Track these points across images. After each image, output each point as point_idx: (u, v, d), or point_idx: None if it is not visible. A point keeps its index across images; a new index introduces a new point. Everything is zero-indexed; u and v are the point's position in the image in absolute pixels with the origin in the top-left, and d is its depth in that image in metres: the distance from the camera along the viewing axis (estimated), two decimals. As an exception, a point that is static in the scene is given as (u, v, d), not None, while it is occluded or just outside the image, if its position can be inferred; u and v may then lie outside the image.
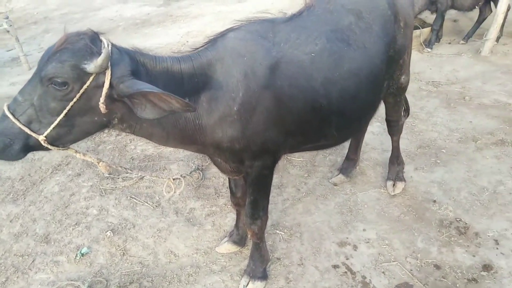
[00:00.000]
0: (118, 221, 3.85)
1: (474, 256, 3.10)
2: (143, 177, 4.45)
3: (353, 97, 2.64)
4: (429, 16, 7.57)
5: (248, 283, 2.99)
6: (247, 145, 2.45)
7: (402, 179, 3.90)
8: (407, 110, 3.84)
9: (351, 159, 4.12)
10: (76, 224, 3.86)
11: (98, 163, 2.38)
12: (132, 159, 4.82)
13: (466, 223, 3.42)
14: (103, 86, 1.91)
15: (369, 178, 4.16)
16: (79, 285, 3.18)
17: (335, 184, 4.09)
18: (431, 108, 5.35)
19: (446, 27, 7.79)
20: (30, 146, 1.97)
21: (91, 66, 1.83)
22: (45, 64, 1.86)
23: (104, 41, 1.94)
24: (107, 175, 4.48)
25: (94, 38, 1.92)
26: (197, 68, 2.27)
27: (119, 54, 1.99)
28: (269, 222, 3.62)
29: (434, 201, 3.70)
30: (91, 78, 1.88)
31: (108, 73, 1.89)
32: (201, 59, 2.30)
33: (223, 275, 3.18)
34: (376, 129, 4.93)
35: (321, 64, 2.49)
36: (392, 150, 3.93)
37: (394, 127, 3.73)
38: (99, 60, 1.82)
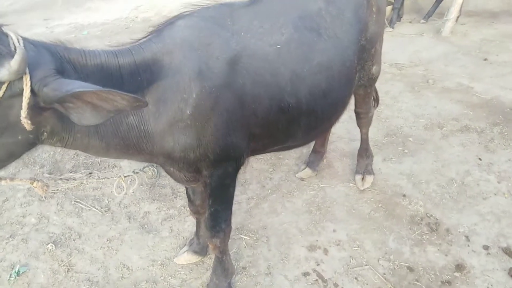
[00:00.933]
0: (61, 231, 3.39)
1: (446, 255, 2.99)
2: (90, 175, 3.98)
3: (324, 94, 2.33)
4: (391, -6, 7.38)
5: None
6: (204, 153, 2.09)
7: (371, 172, 3.71)
8: (376, 100, 3.62)
9: (318, 152, 3.87)
10: (10, 236, 3.36)
11: (32, 183, 1.94)
12: (77, 155, 4.30)
13: (437, 219, 3.30)
14: (22, 95, 1.45)
15: (337, 171, 3.95)
16: (14, 313, 2.76)
17: (302, 179, 3.85)
18: (395, 93, 5.20)
19: (406, 5, 7.65)
20: None
21: (3, 73, 1.36)
22: None
23: (13, 36, 1.47)
24: (48, 175, 3.96)
25: None
26: (139, 64, 1.85)
27: (36, 50, 1.53)
28: (233, 226, 3.32)
29: (404, 196, 3.55)
30: (3, 88, 1.41)
31: (27, 78, 1.42)
32: (144, 53, 1.88)
33: (183, 291, 2.87)
34: (342, 117, 4.69)
35: (288, 57, 2.15)
36: (361, 142, 3.71)
37: (363, 119, 3.49)
38: (14, 64, 1.34)
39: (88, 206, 3.62)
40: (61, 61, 1.61)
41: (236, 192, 3.64)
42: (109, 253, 3.20)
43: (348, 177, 3.84)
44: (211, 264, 2.90)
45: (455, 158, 3.98)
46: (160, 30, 1.98)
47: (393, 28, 7.04)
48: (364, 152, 3.71)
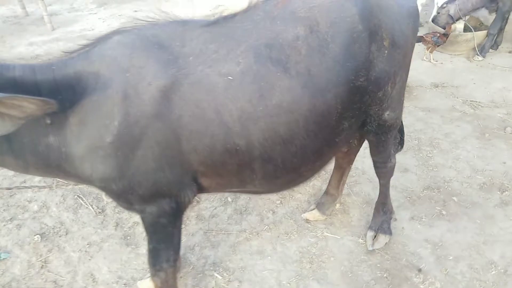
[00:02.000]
0: (53, 224, 3.44)
1: None
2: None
3: (284, 141, 1.91)
4: (488, 17, 6.26)
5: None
6: (129, 186, 1.84)
7: (386, 231, 3.09)
8: (400, 143, 2.97)
9: (331, 194, 3.35)
10: (10, 219, 3.50)
11: None
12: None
13: (452, 313, 2.60)
14: None
15: (351, 219, 3.38)
16: (-22, 298, 2.83)
17: (308, 221, 3.37)
18: (458, 137, 4.34)
19: (508, 32, 6.42)
20: None
21: None
22: None
23: None
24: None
25: None
26: (60, 82, 1.67)
27: None
28: (211, 259, 3.05)
29: (419, 271, 2.88)
30: None
31: None
32: (67, 70, 1.69)
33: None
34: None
35: (239, 92, 1.78)
36: (379, 194, 3.11)
37: (380, 169, 2.90)
38: None
39: (86, 204, 3.62)
40: None
41: (230, 221, 3.39)
42: (84, 258, 3.13)
43: (362, 230, 3.26)
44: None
45: (507, 236, 3.13)
46: (93, 45, 1.77)
47: (483, 57, 5.97)
48: (381, 206, 3.10)
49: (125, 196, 1.89)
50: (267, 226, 3.35)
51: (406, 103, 4.91)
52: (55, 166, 1.81)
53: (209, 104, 1.77)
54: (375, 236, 3.09)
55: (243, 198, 3.67)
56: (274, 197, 3.67)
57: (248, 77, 1.79)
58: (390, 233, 3.10)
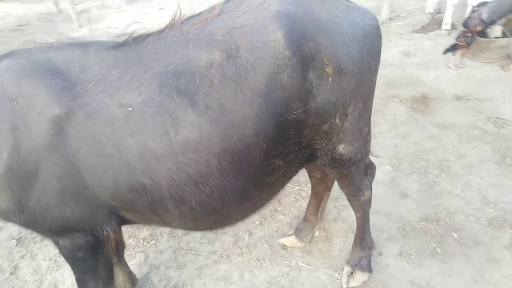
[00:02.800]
0: (31, 229, 3.43)
1: None
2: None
3: (196, 182, 1.70)
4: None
5: None
6: (32, 220, 1.73)
7: (365, 268, 2.76)
8: (370, 170, 2.61)
9: (309, 221, 3.07)
10: (-6, 221, 3.55)
11: None
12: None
13: None
14: None
15: (332, 249, 3.08)
16: None
17: (284, 247, 3.12)
18: (474, 160, 3.85)
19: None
20: None
21: None
22: None
23: None
24: None
25: None
26: None
27: None
28: (174, 281, 2.89)
29: (395, 319, 2.54)
30: None
31: None
32: None
33: None
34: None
35: (140, 126, 1.58)
36: (356, 227, 2.79)
37: (352, 202, 2.58)
38: None
39: (66, 210, 3.59)
40: None
41: (203, 241, 3.21)
42: (52, 267, 3.10)
43: (342, 262, 2.95)
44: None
45: (511, 285, 2.69)
46: None
47: (520, 66, 5.31)
48: (359, 241, 2.77)
49: (32, 228, 1.77)
50: (240, 250, 3.14)
51: (420, 117, 4.48)
52: None
53: (107, 137, 1.59)
54: (351, 273, 2.78)
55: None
56: (254, 216, 3.45)
57: (150, 109, 1.58)
58: (370, 271, 2.77)
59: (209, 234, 3.29)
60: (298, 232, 3.10)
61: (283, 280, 2.87)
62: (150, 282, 2.92)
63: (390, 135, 4.34)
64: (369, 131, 2.19)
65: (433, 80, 5.32)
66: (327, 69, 1.74)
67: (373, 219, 3.26)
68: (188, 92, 1.60)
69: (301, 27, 1.68)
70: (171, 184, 1.67)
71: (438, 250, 2.97)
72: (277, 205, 3.56)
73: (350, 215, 3.35)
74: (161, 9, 9.73)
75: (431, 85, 5.20)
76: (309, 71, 1.71)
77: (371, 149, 2.48)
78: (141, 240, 3.25)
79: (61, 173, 1.61)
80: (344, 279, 2.77)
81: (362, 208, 2.58)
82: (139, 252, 3.16)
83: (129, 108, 1.58)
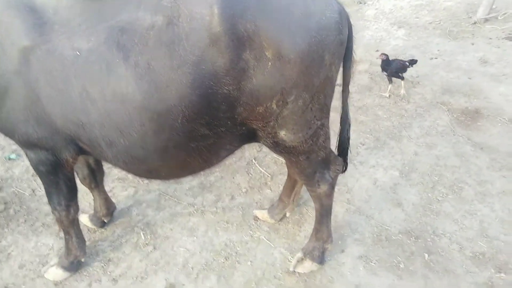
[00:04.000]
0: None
1: None
2: None
3: (121, 130, 1.89)
4: None
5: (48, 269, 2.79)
6: (5, 129, 2.12)
7: (315, 259, 2.78)
8: (333, 166, 2.52)
9: (282, 201, 3.14)
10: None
11: None
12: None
13: None
14: None
15: (298, 233, 3.13)
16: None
17: (256, 218, 3.25)
18: (495, 189, 3.45)
19: None
20: None
21: None
22: None
23: None
24: None
25: None
26: None
27: None
28: (148, 219, 3.25)
29: (321, 313, 2.56)
30: None
31: None
32: None
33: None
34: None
35: (82, 69, 1.82)
36: (315, 217, 2.78)
37: (310, 192, 2.57)
38: None
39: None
40: None
41: (188, 193, 3.51)
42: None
43: (301, 248, 3.00)
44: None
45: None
46: None
47: None
48: (315, 231, 2.78)
49: (7, 136, 2.15)
50: (216, 209, 3.35)
51: (460, 131, 4.13)
52: None
53: (58, 74, 1.84)
54: (302, 259, 2.82)
55: (216, 175, 3.69)
56: (243, 183, 3.61)
57: (93, 56, 1.78)
58: (320, 262, 2.79)
59: (195, 188, 3.55)
60: (271, 209, 3.19)
61: (239, 247, 3.02)
62: (128, 213, 3.29)
63: (416, 142, 4.06)
64: (323, 125, 2.14)
65: (498, 95, 4.72)
66: (267, 53, 1.75)
67: (353, 218, 3.24)
68: (125, 48, 1.76)
69: (240, 6, 1.70)
70: (101, 127, 1.90)
71: (401, 266, 2.85)
72: (269, 179, 3.66)
73: (333, 209, 3.30)
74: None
75: (493, 100, 4.64)
76: (245, 51, 1.74)
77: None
78: (137, 177, 3.62)
79: (25, 96, 1.93)
80: (293, 262, 2.83)
81: (319, 200, 2.57)
82: (131, 186, 3.55)
83: (77, 52, 1.81)
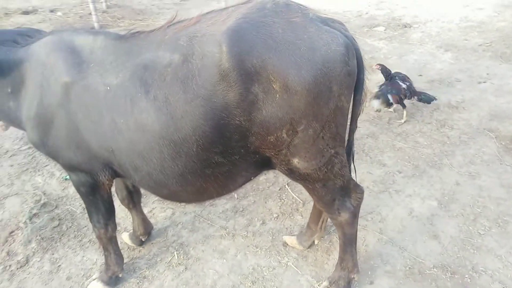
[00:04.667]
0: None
1: None
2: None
3: (144, 157, 2.09)
4: None
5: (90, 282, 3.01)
6: (52, 155, 2.39)
7: (341, 288, 2.75)
8: (354, 194, 2.51)
9: (310, 228, 3.15)
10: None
11: None
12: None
13: None
14: None
15: (327, 262, 3.10)
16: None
17: (285, 244, 3.29)
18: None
19: None
20: None
21: None
22: None
23: None
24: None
25: None
26: (12, 62, 2.30)
27: None
28: (182, 240, 3.41)
29: None
30: None
31: None
32: (17, 55, 2.31)
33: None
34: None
35: (111, 103, 2.06)
36: (339, 246, 2.76)
37: (331, 220, 2.58)
38: None
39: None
40: None
41: (221, 216, 3.66)
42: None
43: (328, 276, 2.98)
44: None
45: None
46: (36, 38, 2.31)
47: None
48: (340, 260, 2.76)
49: (53, 159, 2.44)
50: (246, 233, 3.43)
51: (509, 160, 3.94)
52: (17, 124, 2.49)
53: (93, 107, 2.09)
54: (328, 288, 2.80)
55: (249, 199, 3.79)
56: (275, 208, 3.67)
57: (120, 91, 2.00)
58: (340, 293, 2.75)
59: (229, 212, 3.67)
60: (300, 235, 3.22)
61: (266, 272, 3.07)
62: (165, 234, 3.48)
63: (458, 171, 3.89)
64: (337, 154, 2.17)
65: None
66: (274, 86, 1.86)
67: (385, 248, 3.17)
68: (146, 83, 1.97)
69: (247, 44, 1.82)
70: (127, 153, 2.11)
71: (434, 303, 2.72)
72: (300, 205, 3.69)
73: (365, 238, 3.28)
74: None
75: None
76: (253, 85, 1.86)
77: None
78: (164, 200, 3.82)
79: (66, 125, 2.19)
80: (320, 290, 2.82)
81: (341, 228, 2.57)
82: (170, 208, 3.75)
83: (108, 87, 2.04)
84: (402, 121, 4.68)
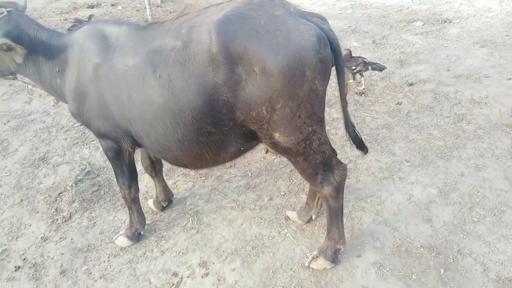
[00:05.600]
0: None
1: None
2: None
3: (151, 124, 2.56)
4: None
5: (117, 237, 3.57)
6: (86, 123, 2.93)
7: (329, 258, 3.05)
8: (336, 170, 2.79)
9: (308, 204, 3.47)
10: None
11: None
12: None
13: None
14: None
15: (322, 235, 3.40)
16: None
17: (287, 218, 3.63)
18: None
19: None
20: None
21: None
22: None
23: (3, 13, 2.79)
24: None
25: None
26: (59, 46, 2.86)
27: (6, 23, 2.79)
28: (198, 208, 3.87)
29: (323, 304, 2.83)
30: None
31: None
32: (64, 41, 2.86)
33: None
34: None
35: (127, 80, 2.55)
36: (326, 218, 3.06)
37: (318, 194, 2.88)
38: None
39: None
40: (21, 32, 2.83)
41: (235, 190, 4.09)
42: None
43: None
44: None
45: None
46: (78, 27, 2.86)
47: None
48: (327, 231, 3.06)
49: (88, 127, 2.98)
50: (254, 206, 3.82)
51: None
52: (62, 98, 3.06)
53: (116, 83, 2.57)
54: (317, 256, 3.12)
55: (261, 178, 4.17)
56: (283, 187, 4.01)
57: (135, 70, 2.46)
58: (333, 261, 3.06)
59: (241, 187, 4.08)
60: (299, 211, 3.55)
61: (266, 240, 3.44)
62: (184, 202, 3.96)
63: (465, 163, 3.98)
64: (314, 131, 2.46)
65: None
66: (255, 68, 2.20)
67: (378, 228, 3.42)
68: (154, 64, 2.41)
69: (231, 33, 2.18)
70: (140, 122, 2.58)
71: (414, 277, 2.95)
72: (307, 186, 3.99)
73: (361, 218, 3.54)
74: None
75: None
76: (237, 67, 2.22)
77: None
78: (197, 174, 4.30)
79: (96, 99, 2.71)
80: (309, 259, 3.14)
81: (326, 201, 2.87)
82: (191, 181, 4.23)
83: (127, 67, 2.52)
84: (361, 88, 5.53)
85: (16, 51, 2.69)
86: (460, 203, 3.52)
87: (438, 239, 3.23)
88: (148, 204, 3.91)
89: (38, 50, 2.84)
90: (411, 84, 5.55)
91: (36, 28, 2.89)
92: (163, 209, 3.88)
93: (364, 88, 5.53)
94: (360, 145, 2.92)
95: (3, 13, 2.79)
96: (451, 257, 3.06)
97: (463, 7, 8.22)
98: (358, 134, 2.89)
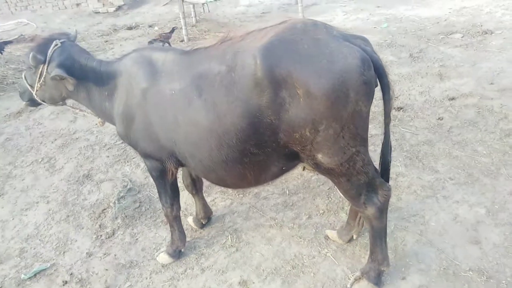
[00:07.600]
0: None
1: None
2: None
3: (196, 146, 2.62)
4: None
5: (159, 254, 3.64)
6: (132, 144, 3.05)
7: (371, 280, 2.97)
8: (380, 191, 2.72)
9: (348, 223, 3.41)
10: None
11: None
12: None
13: None
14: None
15: (364, 256, 3.32)
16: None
17: (326, 237, 3.59)
18: None
19: None
20: (33, 99, 3.35)
21: (29, 61, 2.98)
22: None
23: (52, 45, 2.98)
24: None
25: (44, 43, 2.99)
26: (109, 72, 3.02)
27: (60, 53, 2.99)
28: (237, 226, 3.91)
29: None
30: (40, 67, 3.03)
31: (43, 66, 2.98)
32: (112, 67, 3.02)
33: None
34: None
35: (174, 103, 2.64)
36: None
37: (361, 215, 2.83)
38: (28, 58, 2.94)
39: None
40: (73, 62, 3.01)
41: (273, 208, 4.16)
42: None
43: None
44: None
45: None
46: (125, 55, 3.01)
47: None
48: (370, 252, 2.98)
49: (134, 149, 3.09)
50: (293, 225, 3.80)
51: None
52: (110, 120, 3.21)
53: (162, 107, 2.67)
54: (359, 279, 3.05)
55: (299, 196, 4.15)
56: (322, 205, 3.97)
57: (180, 94, 2.55)
58: (376, 284, 2.97)
59: (279, 205, 4.07)
60: (340, 230, 3.50)
61: (306, 260, 3.40)
62: (222, 220, 4.00)
63: (515, 181, 3.79)
64: (358, 152, 2.44)
65: None
66: (298, 91, 2.22)
67: (423, 249, 3.32)
68: (199, 89, 2.49)
69: (276, 58, 2.23)
70: (185, 143, 2.66)
71: (460, 301, 2.81)
72: (346, 204, 3.92)
73: (404, 238, 3.44)
74: (378, 6, 10.10)
75: None
76: (281, 90, 2.25)
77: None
78: (235, 192, 4.34)
79: (143, 121, 2.82)
80: (351, 280, 3.08)
81: (369, 222, 2.81)
82: (229, 198, 4.27)
83: (173, 92, 2.61)
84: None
85: (68, 81, 2.88)
86: (511, 223, 3.35)
87: (489, 262, 3.07)
88: (188, 221, 3.98)
89: (89, 77, 3.01)
90: (452, 99, 5.38)
91: (86, 57, 3.07)
92: (202, 226, 3.93)
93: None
94: (385, 175, 2.85)
95: (57, 44, 2.99)
96: (504, 282, 2.90)
97: (505, 17, 7.94)
98: (389, 163, 2.83)
